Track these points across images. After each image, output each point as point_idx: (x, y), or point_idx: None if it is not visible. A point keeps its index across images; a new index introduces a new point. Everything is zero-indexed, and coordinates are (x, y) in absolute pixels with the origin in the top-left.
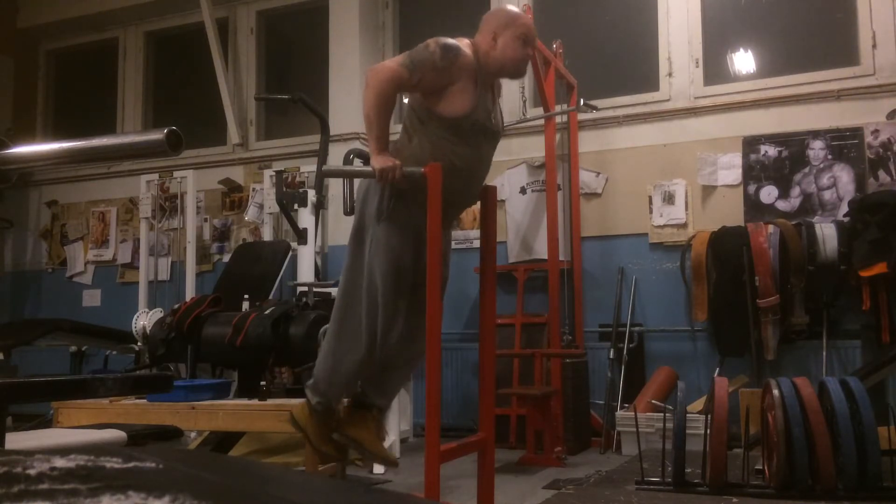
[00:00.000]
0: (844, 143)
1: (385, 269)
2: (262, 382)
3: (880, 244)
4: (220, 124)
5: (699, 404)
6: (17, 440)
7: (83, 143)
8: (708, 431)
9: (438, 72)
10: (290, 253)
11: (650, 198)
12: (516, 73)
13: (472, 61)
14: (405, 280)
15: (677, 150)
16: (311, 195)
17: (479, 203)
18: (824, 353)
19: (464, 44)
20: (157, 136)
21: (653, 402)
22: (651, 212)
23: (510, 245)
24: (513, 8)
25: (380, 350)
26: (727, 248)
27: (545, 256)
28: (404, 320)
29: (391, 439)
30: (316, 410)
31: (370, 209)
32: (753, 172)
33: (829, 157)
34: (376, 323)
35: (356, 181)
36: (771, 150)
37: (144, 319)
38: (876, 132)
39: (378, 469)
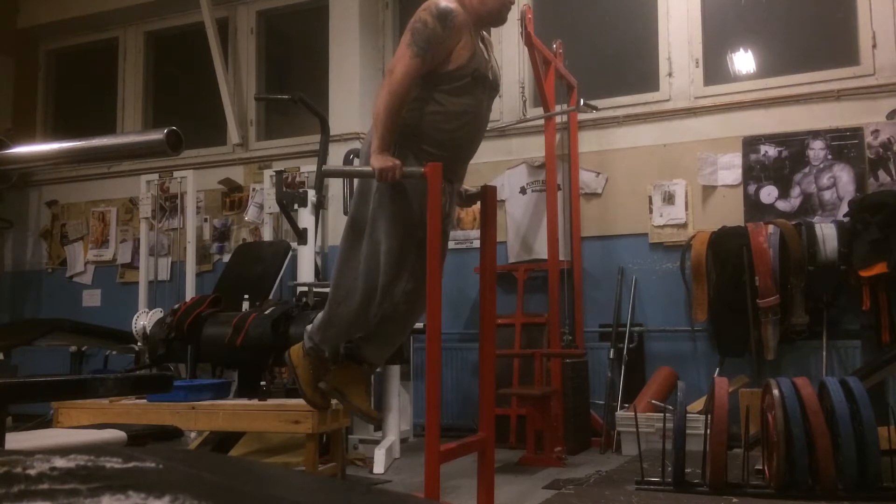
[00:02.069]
0: (844, 143)
1: (392, 223)
2: (262, 382)
3: (880, 244)
4: (220, 124)
5: (699, 404)
6: (17, 440)
7: (83, 143)
8: (708, 431)
9: (444, 42)
10: (290, 253)
11: (650, 198)
12: (500, 18)
13: (465, 15)
14: (413, 233)
15: (677, 150)
16: (311, 195)
17: (479, 203)
18: (824, 353)
19: (450, 1)
20: (157, 136)
21: (653, 402)
22: (651, 212)
23: (510, 245)
24: None
25: (380, 304)
26: (727, 248)
27: (545, 256)
28: (410, 276)
29: (391, 439)
30: (308, 354)
31: None
32: (753, 172)
33: (829, 157)
34: (376, 278)
35: (356, 181)
36: (771, 150)
37: (144, 319)
38: (876, 132)
39: (378, 469)
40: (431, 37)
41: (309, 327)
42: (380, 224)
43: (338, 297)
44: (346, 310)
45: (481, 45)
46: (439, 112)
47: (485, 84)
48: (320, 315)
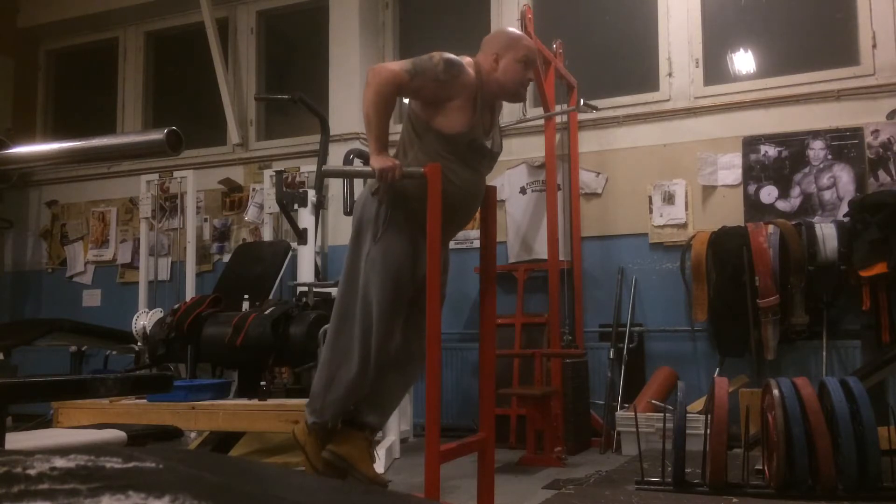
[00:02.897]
0: (844, 143)
1: (382, 284)
2: (262, 382)
3: (880, 244)
4: (220, 124)
5: (699, 404)
6: (17, 440)
7: (83, 143)
8: (708, 431)
9: (439, 84)
10: (290, 253)
11: (650, 198)
12: (516, 96)
13: (474, 80)
14: (403, 294)
15: (677, 150)
16: (311, 195)
17: None
18: (824, 353)
19: (466, 62)
20: (157, 136)
21: (653, 402)
22: (651, 212)
23: (510, 245)
24: (515, 30)
25: (374, 364)
26: (727, 248)
27: (545, 256)
28: (401, 335)
29: (391, 439)
30: (312, 430)
31: (366, 224)
32: (753, 172)
33: (829, 157)
34: (370, 339)
35: (356, 181)
36: (771, 150)
37: (144, 319)
38: (876, 132)
39: (378, 469)
40: (430, 70)
41: (308, 401)
42: (371, 284)
43: (336, 358)
44: (346, 372)
45: (488, 114)
46: None
47: (482, 153)
48: (316, 383)
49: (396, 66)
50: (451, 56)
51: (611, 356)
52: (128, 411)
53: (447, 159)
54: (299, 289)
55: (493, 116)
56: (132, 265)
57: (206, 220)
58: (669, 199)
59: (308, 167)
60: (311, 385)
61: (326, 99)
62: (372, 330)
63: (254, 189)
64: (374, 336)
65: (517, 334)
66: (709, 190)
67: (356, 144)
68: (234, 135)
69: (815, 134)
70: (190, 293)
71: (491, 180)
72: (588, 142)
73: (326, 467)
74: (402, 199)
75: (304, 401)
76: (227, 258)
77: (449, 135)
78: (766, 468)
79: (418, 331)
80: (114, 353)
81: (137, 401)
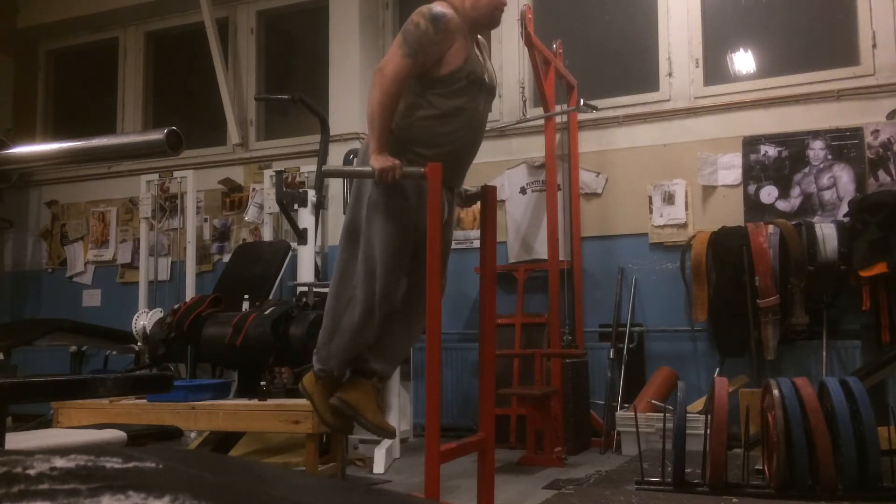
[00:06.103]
0: (844, 143)
1: (384, 228)
2: (262, 382)
3: (880, 244)
4: (220, 124)
5: (699, 404)
6: (17, 440)
7: (83, 143)
8: (708, 431)
9: (436, 45)
10: (290, 253)
11: (650, 198)
12: (492, 21)
13: (458, 19)
14: (406, 238)
15: (677, 150)
16: (311, 195)
17: (479, 203)
18: (824, 353)
19: (444, 6)
20: (157, 136)
21: (653, 402)
22: (651, 212)
23: (510, 245)
24: None
25: (379, 312)
26: (727, 248)
27: (545, 256)
28: (407, 280)
29: (391, 440)
30: (319, 377)
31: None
32: (753, 172)
33: (829, 157)
34: (374, 285)
35: (352, 187)
36: (771, 150)
37: (144, 319)
38: (876, 132)
39: (378, 469)
40: (423, 38)
41: (315, 350)
42: (374, 230)
43: (339, 307)
44: (350, 320)
45: (476, 49)
46: (433, 115)
47: (481, 87)
48: (322, 331)
49: (396, 58)
50: (433, 10)
51: (611, 356)
52: (128, 411)
53: (447, 97)
54: (299, 289)
55: (483, 52)
56: (132, 265)
57: (206, 220)
58: (669, 199)
59: (308, 167)
60: (318, 334)
61: (326, 99)
62: (376, 276)
63: (254, 189)
64: (378, 283)
65: (517, 334)
66: (709, 190)
67: (356, 144)
68: (234, 135)
69: (815, 134)
70: (190, 293)
71: (491, 180)
72: (588, 142)
73: (333, 415)
74: (402, 142)
75: (304, 401)
76: (227, 258)
77: (449, 73)
78: (766, 468)
79: (421, 283)
80: (114, 353)
81: (137, 401)
